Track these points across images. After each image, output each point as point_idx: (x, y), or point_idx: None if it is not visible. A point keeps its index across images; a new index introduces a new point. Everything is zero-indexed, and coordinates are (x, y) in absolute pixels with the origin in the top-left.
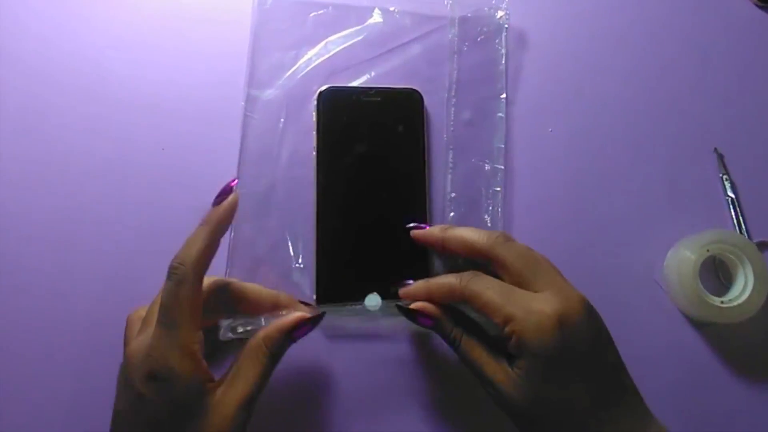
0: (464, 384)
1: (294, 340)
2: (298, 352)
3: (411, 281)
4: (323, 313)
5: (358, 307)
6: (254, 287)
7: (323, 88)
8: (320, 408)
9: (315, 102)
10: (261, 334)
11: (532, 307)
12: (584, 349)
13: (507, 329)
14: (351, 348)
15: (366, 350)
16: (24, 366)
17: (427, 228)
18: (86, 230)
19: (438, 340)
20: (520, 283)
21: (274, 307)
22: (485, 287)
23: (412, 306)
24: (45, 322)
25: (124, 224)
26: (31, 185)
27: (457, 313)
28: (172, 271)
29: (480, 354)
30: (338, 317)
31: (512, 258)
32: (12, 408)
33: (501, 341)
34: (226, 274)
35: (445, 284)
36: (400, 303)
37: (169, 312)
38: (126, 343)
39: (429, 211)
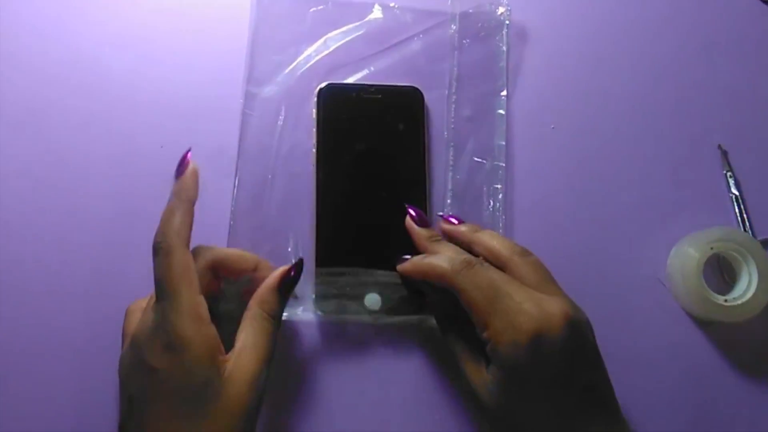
0: (460, 388)
1: (286, 296)
2: (295, 358)
3: (408, 256)
4: (301, 259)
5: (358, 302)
6: (236, 251)
7: (323, 84)
8: (316, 413)
9: (315, 99)
10: (254, 300)
11: (510, 321)
12: (555, 368)
13: (484, 335)
14: (350, 351)
15: (365, 354)
16: (20, 364)
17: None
18: (84, 228)
19: (433, 346)
20: None
21: (256, 269)
22: (473, 286)
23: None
24: (42, 318)
25: (122, 221)
26: (29, 183)
27: (454, 300)
28: (158, 246)
29: (463, 350)
30: (338, 316)
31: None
32: (10, 410)
33: (483, 342)
34: None
35: (436, 268)
36: (403, 277)
37: (165, 284)
38: (125, 334)
39: (429, 209)
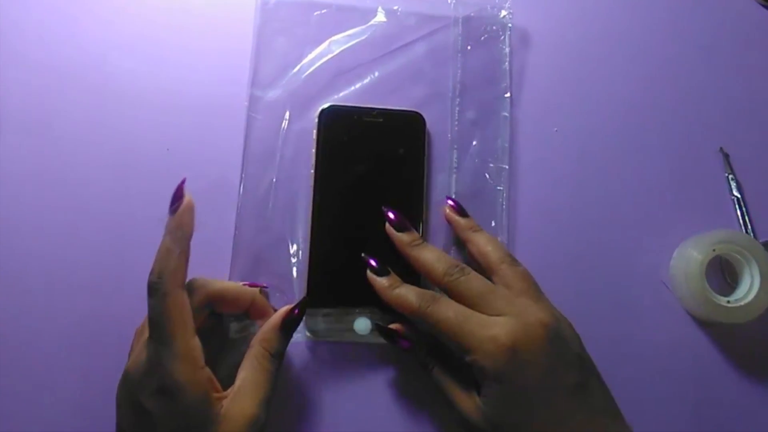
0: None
1: (288, 335)
2: (285, 379)
3: (373, 262)
4: (305, 297)
5: (348, 327)
6: (233, 286)
7: (325, 106)
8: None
9: (316, 120)
10: (257, 338)
11: (486, 335)
12: (540, 373)
13: (467, 358)
14: (341, 371)
15: (357, 373)
16: (24, 369)
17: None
18: (90, 231)
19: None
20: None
21: (252, 305)
22: (443, 316)
23: (392, 326)
24: (45, 321)
25: (128, 225)
26: (35, 187)
27: (432, 338)
28: (153, 287)
29: (450, 382)
30: (329, 339)
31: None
32: (10, 415)
33: (468, 366)
34: (229, 273)
35: (405, 302)
36: (380, 323)
37: (160, 327)
38: (129, 357)
39: (426, 237)
